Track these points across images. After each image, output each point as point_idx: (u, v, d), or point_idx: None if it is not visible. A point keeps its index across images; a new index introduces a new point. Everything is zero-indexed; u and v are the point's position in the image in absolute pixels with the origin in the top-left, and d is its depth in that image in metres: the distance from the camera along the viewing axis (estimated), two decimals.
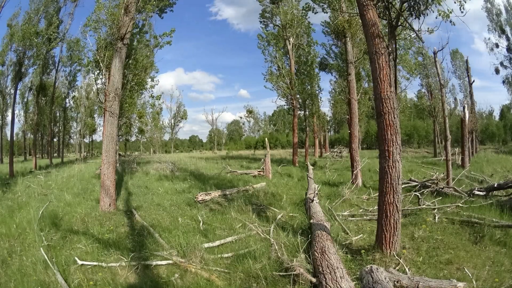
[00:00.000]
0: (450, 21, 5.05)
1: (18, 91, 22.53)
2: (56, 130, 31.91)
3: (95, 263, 4.23)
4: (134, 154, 32.08)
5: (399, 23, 4.80)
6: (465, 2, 4.85)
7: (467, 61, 21.69)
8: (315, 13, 12.74)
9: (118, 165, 13.06)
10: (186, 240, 4.80)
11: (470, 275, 3.49)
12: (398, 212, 4.18)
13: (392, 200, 4.16)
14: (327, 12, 13.10)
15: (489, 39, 26.99)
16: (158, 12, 10.45)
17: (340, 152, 24.60)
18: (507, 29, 25.59)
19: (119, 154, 18.49)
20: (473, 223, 5.15)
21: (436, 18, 5.00)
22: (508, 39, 25.85)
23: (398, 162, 4.18)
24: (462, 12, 4.87)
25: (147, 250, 4.66)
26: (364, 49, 11.66)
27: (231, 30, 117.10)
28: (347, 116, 12.10)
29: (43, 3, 18.27)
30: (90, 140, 45.52)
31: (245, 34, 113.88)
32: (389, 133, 4.20)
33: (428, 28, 5.18)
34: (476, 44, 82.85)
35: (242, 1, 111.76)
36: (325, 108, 53.94)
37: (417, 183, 8.45)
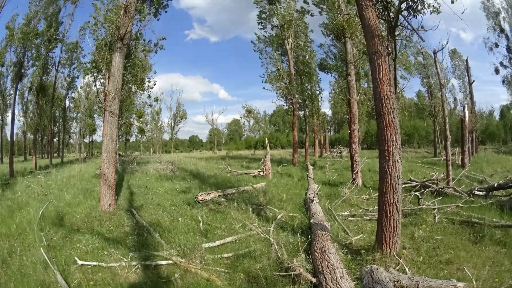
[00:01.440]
0: (438, 13, 5.07)
1: (18, 92, 22.48)
2: (56, 130, 31.91)
3: (95, 263, 4.23)
4: (134, 154, 32.05)
5: (398, 23, 4.81)
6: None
7: (467, 61, 21.71)
8: (312, 16, 12.77)
9: (118, 165, 13.07)
10: (186, 240, 4.80)
11: (470, 275, 3.49)
12: (398, 212, 4.18)
13: (392, 200, 4.16)
14: (322, 14, 13.10)
15: (487, 38, 26.93)
16: (153, 14, 10.43)
17: (340, 152, 24.59)
18: (506, 27, 25.53)
19: (119, 154, 18.51)
20: (473, 223, 5.15)
21: (431, 13, 5.02)
22: (507, 38, 25.81)
23: (398, 162, 4.18)
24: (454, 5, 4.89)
25: (147, 250, 4.66)
26: (364, 49, 11.67)
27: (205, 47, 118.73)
28: (347, 116, 12.11)
29: (43, 5, 18.27)
30: (90, 140, 45.55)
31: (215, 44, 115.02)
32: (389, 133, 4.20)
33: (423, 27, 5.19)
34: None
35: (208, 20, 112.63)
36: (325, 108, 54.00)
37: (417, 183, 8.46)
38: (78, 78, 25.58)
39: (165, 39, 12.15)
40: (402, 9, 4.75)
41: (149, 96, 16.62)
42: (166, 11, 10.79)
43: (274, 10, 19.56)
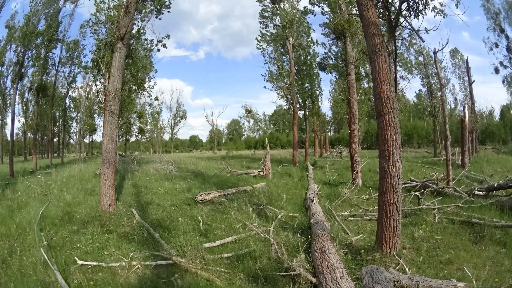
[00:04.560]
0: (444, 15, 5.05)
1: (18, 91, 22.44)
2: (56, 130, 31.89)
3: (95, 263, 4.23)
4: (134, 154, 32.07)
5: (399, 23, 4.81)
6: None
7: (467, 60, 21.72)
8: (314, 15, 12.83)
9: (118, 165, 13.07)
10: (186, 240, 4.80)
11: (470, 275, 3.49)
12: (398, 212, 4.18)
13: (392, 200, 4.16)
14: (326, 14, 13.16)
15: (488, 38, 26.91)
16: (156, 13, 10.38)
17: (340, 152, 24.58)
18: (506, 27, 25.49)
19: (119, 154, 18.51)
20: (473, 223, 5.16)
21: (435, 17, 5.02)
22: (507, 38, 25.78)
23: (398, 162, 4.18)
24: (457, 7, 4.88)
25: (147, 250, 4.66)
26: (364, 49, 11.67)
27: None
28: (347, 116, 12.10)
29: (43, 4, 18.25)
30: (90, 140, 45.58)
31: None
32: (389, 133, 4.20)
33: (427, 30, 5.18)
34: None
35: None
36: (325, 108, 54.00)
37: (417, 183, 8.45)
38: (79, 74, 25.43)
39: (169, 38, 12.20)
40: (403, 10, 4.75)
41: (149, 96, 16.70)
42: (169, 11, 10.76)
43: (276, 9, 19.58)
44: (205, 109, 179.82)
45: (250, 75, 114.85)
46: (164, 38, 12.59)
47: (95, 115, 36.56)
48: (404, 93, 24.74)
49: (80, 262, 4.23)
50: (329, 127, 52.31)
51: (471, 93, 22.25)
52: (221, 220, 6.26)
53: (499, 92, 48.37)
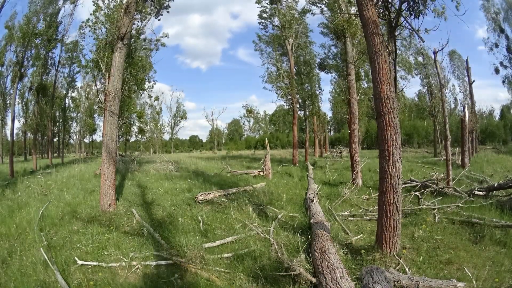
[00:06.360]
0: (444, 18, 5.06)
1: (18, 91, 22.42)
2: (56, 130, 31.88)
3: (95, 263, 4.24)
4: (134, 154, 32.05)
5: (399, 23, 4.81)
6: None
7: (467, 61, 21.67)
8: (314, 15, 12.85)
9: (118, 165, 13.06)
10: (186, 240, 4.80)
11: (470, 275, 3.49)
12: (398, 212, 4.18)
13: (392, 200, 4.16)
14: (325, 15, 13.18)
15: (488, 38, 26.92)
16: (155, 14, 10.41)
17: (340, 152, 24.60)
18: (506, 27, 25.50)
19: (119, 154, 18.50)
20: (473, 223, 5.16)
21: (434, 17, 5.02)
22: (507, 38, 25.79)
23: (398, 162, 4.18)
24: (458, 10, 4.88)
25: (147, 250, 4.66)
26: (364, 49, 11.67)
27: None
28: (347, 116, 12.11)
29: (42, 5, 18.25)
30: (90, 140, 45.60)
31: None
32: (389, 133, 4.20)
33: (426, 29, 5.18)
34: None
35: None
36: (325, 108, 54.03)
37: (417, 183, 8.44)
38: (78, 73, 25.41)
39: (168, 37, 12.25)
40: (403, 10, 4.75)
41: (149, 96, 16.75)
42: (168, 12, 10.77)
43: (275, 10, 19.58)
44: (205, 109, 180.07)
45: (214, 84, 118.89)
46: (163, 37, 12.64)
47: (95, 115, 36.59)
48: (404, 92, 24.77)
49: (80, 262, 4.23)
50: (329, 127, 52.36)
51: (471, 93, 22.24)
52: (221, 220, 6.26)
53: (489, 93, 48.33)
